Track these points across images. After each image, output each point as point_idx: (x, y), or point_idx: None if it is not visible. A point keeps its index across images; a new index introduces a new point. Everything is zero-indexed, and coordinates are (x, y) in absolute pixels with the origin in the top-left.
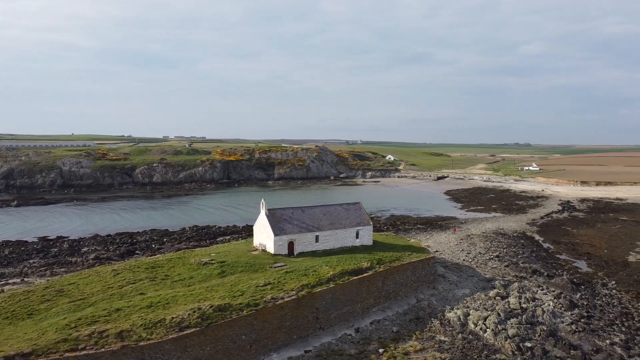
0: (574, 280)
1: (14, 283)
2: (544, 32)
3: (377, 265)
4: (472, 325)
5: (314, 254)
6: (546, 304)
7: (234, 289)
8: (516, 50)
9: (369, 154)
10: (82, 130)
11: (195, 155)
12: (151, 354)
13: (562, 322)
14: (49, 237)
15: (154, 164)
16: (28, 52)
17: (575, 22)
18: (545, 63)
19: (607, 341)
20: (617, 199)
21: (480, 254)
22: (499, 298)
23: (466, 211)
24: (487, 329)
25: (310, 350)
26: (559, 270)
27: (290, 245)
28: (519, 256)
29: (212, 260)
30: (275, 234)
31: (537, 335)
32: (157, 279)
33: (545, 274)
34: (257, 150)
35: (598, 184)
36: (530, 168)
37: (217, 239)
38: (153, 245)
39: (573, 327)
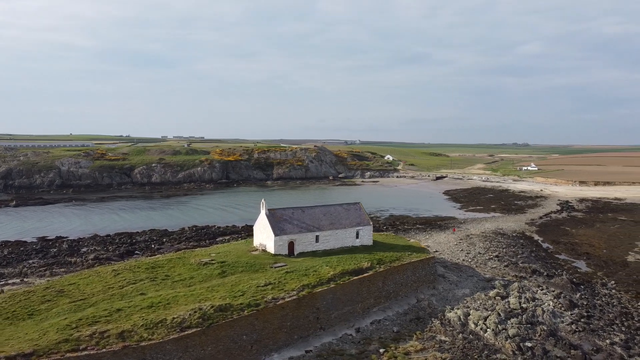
0: (574, 280)
1: (13, 283)
2: (544, 32)
3: (378, 265)
4: (473, 325)
5: (314, 254)
6: (546, 304)
7: (234, 289)
8: (516, 50)
9: (368, 154)
10: (81, 130)
11: (194, 156)
12: (152, 354)
13: (562, 322)
14: (48, 238)
15: (153, 164)
16: (28, 52)
17: (575, 22)
18: (544, 63)
19: (607, 341)
20: (616, 198)
21: (480, 253)
22: (499, 298)
23: (465, 211)
24: (488, 329)
25: (311, 350)
26: (559, 270)
27: (291, 245)
28: (519, 256)
29: (212, 260)
30: (276, 234)
31: (537, 335)
32: (158, 279)
33: (545, 273)
34: (256, 150)
35: (596, 184)
36: (529, 168)
37: (217, 239)
38: (152, 246)
39: (573, 326)
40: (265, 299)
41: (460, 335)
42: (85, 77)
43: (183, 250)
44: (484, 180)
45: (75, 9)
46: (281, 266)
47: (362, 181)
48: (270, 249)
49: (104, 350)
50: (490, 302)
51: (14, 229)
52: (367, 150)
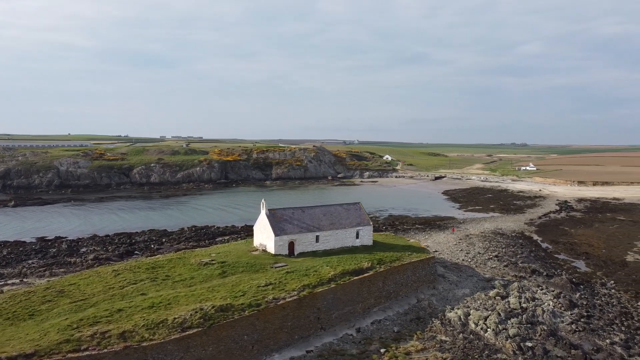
0: (573, 280)
1: (13, 284)
2: (544, 32)
3: (378, 265)
4: (473, 325)
5: (314, 254)
6: (546, 304)
7: (235, 289)
8: (516, 50)
9: (367, 154)
10: (81, 131)
11: (192, 156)
12: (154, 355)
13: (562, 321)
14: (47, 238)
15: (152, 164)
16: (28, 52)
17: (575, 22)
18: (544, 63)
19: (607, 341)
20: (614, 198)
21: (480, 253)
22: (499, 298)
23: (464, 211)
24: (488, 329)
25: (311, 351)
26: (558, 270)
27: (291, 245)
28: (518, 256)
29: (212, 260)
30: (276, 234)
31: (537, 335)
32: (158, 280)
33: (545, 273)
34: (255, 150)
35: (595, 184)
36: (528, 168)
37: (216, 239)
38: (152, 246)
39: (573, 326)
40: (266, 299)
41: (460, 335)
42: (85, 77)
43: (183, 251)
44: (482, 181)
45: (75, 9)
46: (282, 266)
47: (361, 181)
48: (271, 249)
49: (106, 350)
50: (490, 302)
51: (13, 229)
52: (366, 150)
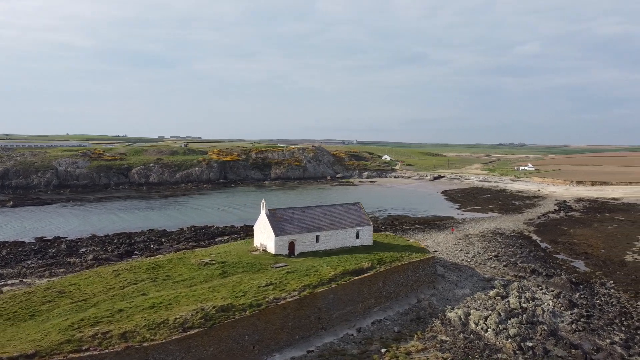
0: (573, 279)
1: (12, 284)
2: (543, 32)
3: (378, 265)
4: (473, 325)
5: (314, 254)
6: (546, 304)
7: (236, 290)
8: (515, 50)
9: (366, 154)
10: (80, 130)
11: (191, 156)
12: (155, 355)
13: (562, 321)
14: (46, 238)
15: (151, 164)
16: (28, 52)
17: (574, 22)
18: (544, 63)
19: (607, 340)
20: (613, 198)
21: (479, 253)
22: (499, 298)
23: (463, 211)
24: (488, 329)
25: (312, 351)
26: (558, 270)
27: (291, 245)
28: (517, 256)
29: (212, 260)
30: (276, 234)
31: (537, 334)
32: (159, 280)
33: (544, 273)
34: (254, 150)
35: (593, 183)
36: (526, 168)
37: (216, 239)
38: (151, 246)
39: (573, 326)
40: (266, 299)
41: (461, 335)
42: (85, 77)
43: (183, 251)
44: (481, 180)
45: (74, 8)
46: (282, 266)
47: (360, 181)
48: (271, 249)
49: (107, 350)
50: (490, 301)
51: (12, 229)
52: (365, 150)
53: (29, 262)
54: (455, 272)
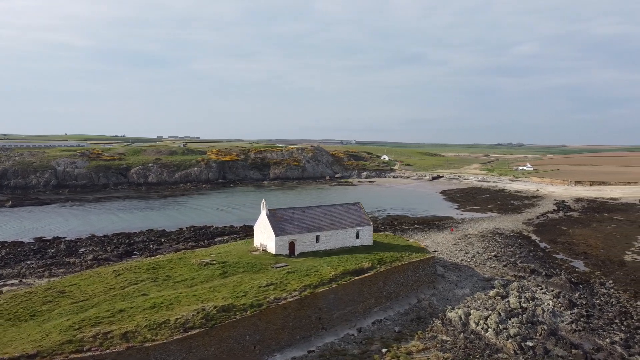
0: (572, 279)
1: (12, 284)
2: (542, 32)
3: (378, 265)
4: (474, 325)
5: (314, 254)
6: (546, 304)
7: (236, 290)
8: (513, 51)
9: (364, 154)
10: (78, 130)
11: (190, 156)
12: (156, 355)
13: (562, 321)
14: (45, 238)
15: (149, 164)
16: (28, 52)
17: (573, 22)
18: (542, 63)
19: (607, 340)
20: (612, 198)
21: (479, 253)
22: (499, 297)
23: (462, 211)
24: (489, 329)
25: (313, 351)
26: (557, 270)
27: (291, 245)
28: (517, 256)
29: (213, 260)
30: (277, 234)
31: (538, 334)
32: (159, 280)
33: (544, 273)
34: (253, 150)
35: (592, 183)
36: (525, 168)
37: (215, 239)
38: (151, 246)
39: (573, 326)
40: (267, 300)
41: (461, 335)
42: (85, 77)
43: (183, 251)
44: (480, 180)
45: (74, 8)
46: (282, 266)
47: (359, 181)
48: (271, 249)
49: (108, 351)
50: (490, 301)
51: (11, 229)
52: (364, 150)
53: (29, 262)
54: (455, 272)
